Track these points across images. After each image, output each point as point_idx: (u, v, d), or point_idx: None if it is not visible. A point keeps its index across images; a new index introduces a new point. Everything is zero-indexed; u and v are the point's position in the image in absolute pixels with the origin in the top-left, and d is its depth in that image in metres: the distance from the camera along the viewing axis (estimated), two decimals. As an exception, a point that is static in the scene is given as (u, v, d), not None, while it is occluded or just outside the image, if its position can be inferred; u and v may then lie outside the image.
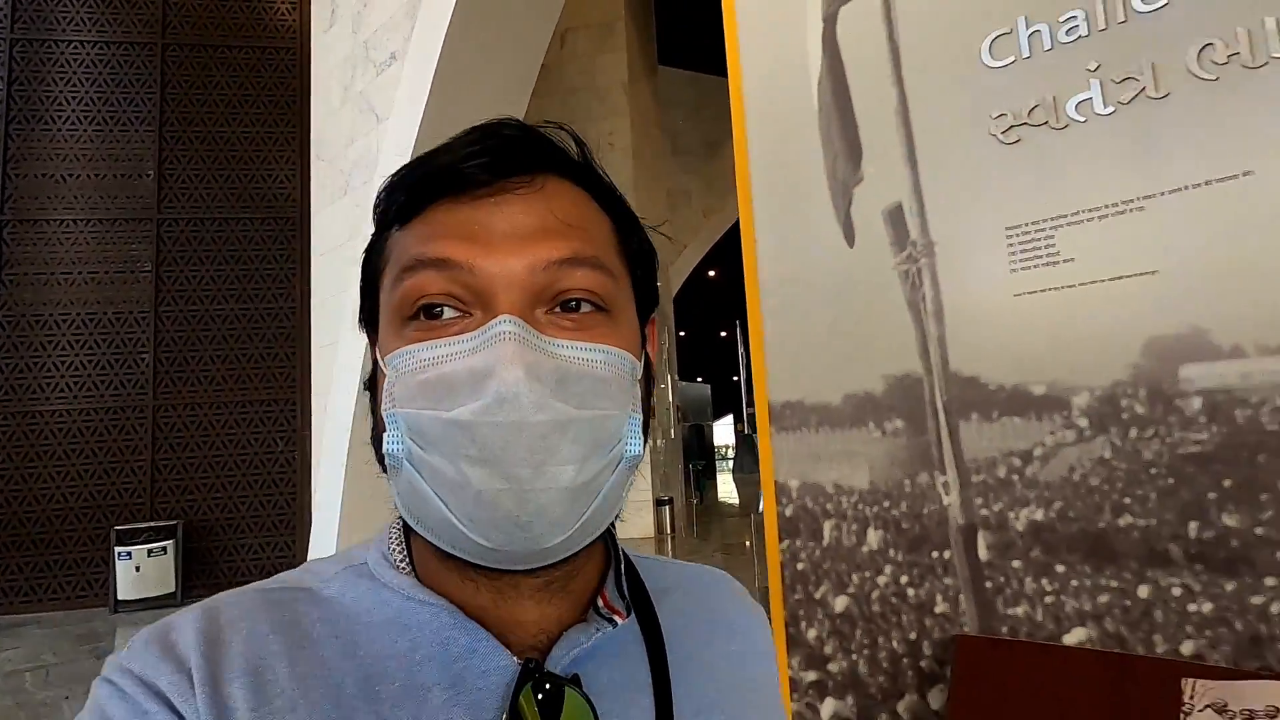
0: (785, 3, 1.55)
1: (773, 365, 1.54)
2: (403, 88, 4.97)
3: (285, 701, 0.36)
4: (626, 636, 0.43)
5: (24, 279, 5.40)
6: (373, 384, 0.42)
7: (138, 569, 4.87)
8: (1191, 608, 1.10)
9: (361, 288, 0.45)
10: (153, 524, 5.07)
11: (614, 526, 0.44)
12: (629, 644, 0.43)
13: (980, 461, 1.27)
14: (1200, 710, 1.02)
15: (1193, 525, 1.11)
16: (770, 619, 1.24)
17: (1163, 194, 1.12)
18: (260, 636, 0.38)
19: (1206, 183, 1.10)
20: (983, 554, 1.27)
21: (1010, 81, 1.28)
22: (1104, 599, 1.17)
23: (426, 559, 0.42)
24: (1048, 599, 1.21)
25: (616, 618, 0.42)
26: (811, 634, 1.43)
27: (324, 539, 5.27)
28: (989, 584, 1.25)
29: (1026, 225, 1.25)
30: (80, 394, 5.37)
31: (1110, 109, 1.18)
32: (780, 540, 1.48)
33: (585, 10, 6.98)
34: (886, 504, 1.36)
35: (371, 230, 0.44)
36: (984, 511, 1.26)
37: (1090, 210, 1.21)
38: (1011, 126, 1.25)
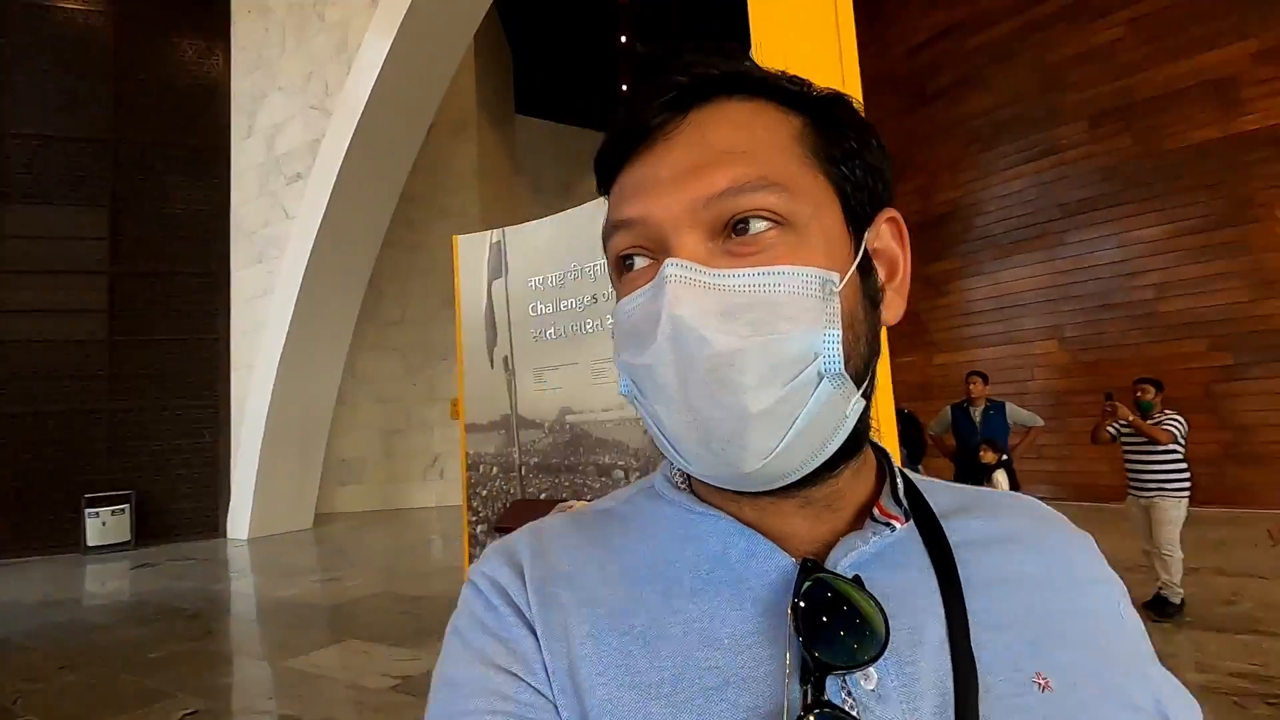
0: (476, 275, 4.19)
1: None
2: (306, 199, 6.98)
3: (598, 594, 0.42)
4: (910, 547, 0.42)
5: None
6: None
7: (103, 524, 6.82)
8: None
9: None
10: (112, 493, 7.01)
11: (875, 444, 0.46)
12: (914, 554, 0.42)
13: (524, 444, 3.96)
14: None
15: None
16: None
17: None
18: (575, 548, 0.45)
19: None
20: (523, 472, 3.98)
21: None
22: (569, 486, 3.86)
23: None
24: (543, 484, 3.92)
25: (895, 523, 0.42)
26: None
27: (241, 505, 7.30)
28: (524, 482, 3.94)
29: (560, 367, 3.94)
30: (45, 400, 7.16)
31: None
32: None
33: (442, 108, 9.23)
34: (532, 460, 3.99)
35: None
36: (528, 459, 3.96)
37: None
38: (546, 330, 3.96)
